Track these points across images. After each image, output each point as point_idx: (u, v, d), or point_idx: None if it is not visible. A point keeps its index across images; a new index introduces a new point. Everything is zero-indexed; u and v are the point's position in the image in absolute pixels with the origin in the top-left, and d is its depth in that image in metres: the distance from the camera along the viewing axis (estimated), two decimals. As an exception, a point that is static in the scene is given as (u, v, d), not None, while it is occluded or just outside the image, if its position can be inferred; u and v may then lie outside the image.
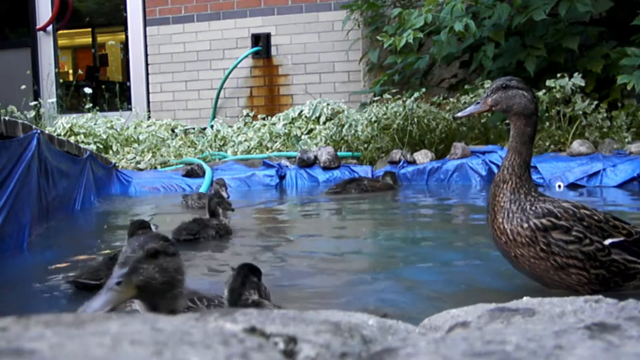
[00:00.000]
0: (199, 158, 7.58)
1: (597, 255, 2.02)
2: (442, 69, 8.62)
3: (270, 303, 1.90)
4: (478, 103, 2.22)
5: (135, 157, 7.73)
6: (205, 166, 6.84)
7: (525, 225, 2.06)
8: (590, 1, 6.53)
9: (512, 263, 2.16)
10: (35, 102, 9.47)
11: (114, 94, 9.89)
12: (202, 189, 6.19)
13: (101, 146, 8.11)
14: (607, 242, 2.04)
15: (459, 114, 2.30)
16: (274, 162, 7.00)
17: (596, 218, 2.07)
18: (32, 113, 9.27)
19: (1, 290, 2.64)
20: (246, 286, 1.84)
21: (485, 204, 5.12)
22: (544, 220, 2.04)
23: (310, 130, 8.16)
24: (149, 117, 9.88)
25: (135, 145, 8.21)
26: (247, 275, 1.86)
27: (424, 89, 7.25)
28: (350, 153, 7.21)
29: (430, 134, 6.98)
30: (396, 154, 6.66)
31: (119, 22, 11.40)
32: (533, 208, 2.08)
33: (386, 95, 7.38)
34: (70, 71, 13.18)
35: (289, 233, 4.10)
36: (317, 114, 8.29)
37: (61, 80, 11.60)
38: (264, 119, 8.72)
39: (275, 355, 0.66)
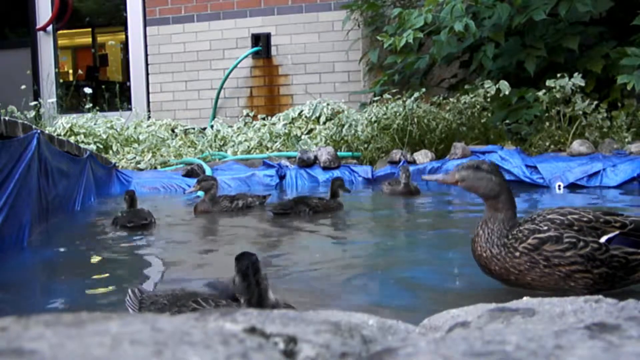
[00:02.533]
0: (199, 158, 7.57)
1: (596, 254, 2.04)
2: (442, 69, 8.62)
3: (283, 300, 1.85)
4: (447, 173, 2.29)
5: (135, 157, 7.73)
6: (205, 166, 6.84)
7: (517, 254, 2.10)
8: (590, 1, 6.53)
9: (530, 289, 2.18)
10: (35, 102, 9.47)
11: (114, 94, 9.89)
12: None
13: (101, 146, 8.11)
14: (602, 239, 2.06)
15: (426, 176, 2.43)
16: (274, 162, 7.00)
17: (586, 219, 2.09)
18: (32, 113, 9.27)
19: (1, 290, 2.64)
20: (263, 295, 1.76)
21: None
22: (530, 241, 2.09)
23: (310, 130, 8.16)
24: (149, 117, 9.88)
25: (135, 145, 8.21)
26: (258, 281, 1.76)
27: (424, 89, 7.24)
28: (350, 153, 7.21)
29: (430, 134, 6.98)
30: (396, 154, 6.65)
31: (119, 22, 11.40)
32: (513, 238, 2.13)
33: (386, 95, 7.37)
34: (70, 71, 13.17)
35: (288, 233, 4.10)
36: (317, 114, 8.29)
37: (61, 80, 11.60)
38: (264, 119, 8.72)
39: (275, 355, 0.66)
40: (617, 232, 2.07)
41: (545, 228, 2.07)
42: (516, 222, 2.19)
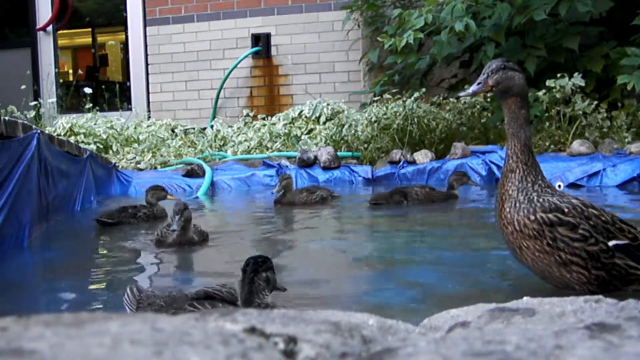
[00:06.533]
0: (199, 158, 7.57)
1: (601, 256, 2.01)
2: (442, 69, 8.62)
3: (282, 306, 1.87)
4: (479, 83, 2.21)
5: (135, 157, 7.73)
6: (205, 166, 6.84)
7: (532, 217, 2.05)
8: (590, 1, 6.52)
9: (514, 254, 2.15)
10: (35, 102, 9.46)
11: (114, 94, 9.89)
12: (202, 190, 6.19)
13: (101, 146, 8.10)
14: (611, 243, 2.03)
15: (462, 94, 2.29)
16: (274, 162, 7.00)
17: (603, 219, 2.06)
18: (32, 113, 9.26)
19: (1, 290, 2.64)
20: (254, 291, 1.80)
21: (485, 204, 5.12)
22: (550, 215, 2.03)
23: (310, 130, 8.15)
24: (149, 117, 9.88)
25: (135, 145, 8.21)
26: (253, 279, 1.81)
27: (424, 89, 7.24)
28: (350, 153, 7.21)
29: (430, 134, 6.98)
30: (396, 154, 6.65)
31: (119, 22, 11.40)
32: (540, 200, 2.07)
33: (386, 96, 7.37)
34: (70, 71, 13.17)
35: (289, 233, 4.10)
36: (317, 114, 8.28)
37: (61, 80, 11.59)
38: (264, 119, 8.71)
39: (275, 355, 0.66)
40: (626, 242, 2.05)
41: (566, 210, 2.04)
42: (540, 172, 2.14)
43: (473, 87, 2.23)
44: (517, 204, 2.08)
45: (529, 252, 2.07)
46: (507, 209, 2.10)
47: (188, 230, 3.37)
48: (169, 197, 4.50)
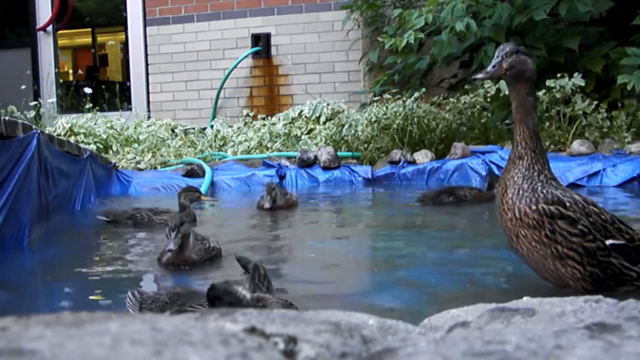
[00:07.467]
0: (199, 158, 7.57)
1: (597, 253, 2.02)
2: (442, 69, 8.61)
3: (274, 296, 1.88)
4: (494, 66, 2.17)
5: (135, 157, 7.73)
6: (205, 166, 6.84)
7: (534, 207, 2.04)
8: (590, 1, 6.52)
9: (510, 241, 2.15)
10: (35, 102, 9.46)
11: (114, 94, 9.88)
12: (202, 190, 6.18)
13: (101, 146, 8.10)
14: (608, 242, 2.04)
15: (479, 76, 2.24)
16: (274, 162, 6.99)
17: (603, 217, 2.06)
18: (32, 113, 9.26)
19: (1, 290, 2.64)
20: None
21: (486, 205, 5.12)
22: (552, 208, 2.03)
23: (310, 130, 8.15)
24: (149, 117, 9.88)
25: (135, 145, 8.21)
26: (269, 280, 1.84)
27: (424, 89, 7.24)
28: (350, 153, 7.21)
29: (430, 134, 6.98)
30: (396, 154, 6.65)
31: (119, 22, 11.40)
32: (544, 191, 2.07)
33: (386, 96, 7.37)
34: (70, 71, 13.17)
35: (289, 233, 4.10)
36: (317, 114, 8.28)
37: (61, 80, 11.59)
38: (264, 119, 8.71)
39: (275, 355, 0.66)
40: (623, 242, 2.05)
41: (568, 205, 2.04)
42: (547, 162, 2.14)
43: (489, 69, 2.19)
44: (521, 192, 2.08)
45: (525, 241, 2.07)
46: (510, 195, 2.10)
47: (185, 249, 2.93)
48: (202, 197, 4.23)
